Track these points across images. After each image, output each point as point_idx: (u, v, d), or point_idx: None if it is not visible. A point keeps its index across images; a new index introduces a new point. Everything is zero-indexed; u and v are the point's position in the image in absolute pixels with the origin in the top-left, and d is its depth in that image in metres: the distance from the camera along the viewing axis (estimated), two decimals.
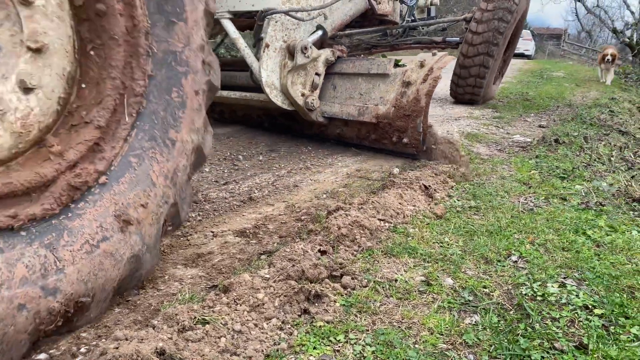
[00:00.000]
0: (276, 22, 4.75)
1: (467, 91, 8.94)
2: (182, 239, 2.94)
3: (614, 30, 32.54)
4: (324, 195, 3.74)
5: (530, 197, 3.82)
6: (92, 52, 2.02)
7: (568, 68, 18.98)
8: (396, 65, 5.00)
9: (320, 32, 5.22)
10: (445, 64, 4.83)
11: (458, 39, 8.41)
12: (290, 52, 4.84)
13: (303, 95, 5.05)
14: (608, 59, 14.12)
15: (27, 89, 1.84)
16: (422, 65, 4.79)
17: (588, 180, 4.34)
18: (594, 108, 9.17)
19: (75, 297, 1.80)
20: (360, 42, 7.73)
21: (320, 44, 5.29)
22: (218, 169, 4.59)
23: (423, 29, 8.06)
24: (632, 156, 6.01)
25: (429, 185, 3.63)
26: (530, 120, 7.94)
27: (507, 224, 3.16)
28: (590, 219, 3.27)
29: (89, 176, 1.97)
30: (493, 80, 9.29)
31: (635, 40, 31.02)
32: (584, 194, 3.88)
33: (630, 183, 4.51)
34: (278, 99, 4.97)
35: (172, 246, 2.82)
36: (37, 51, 1.85)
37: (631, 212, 3.48)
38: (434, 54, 4.92)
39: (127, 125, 2.11)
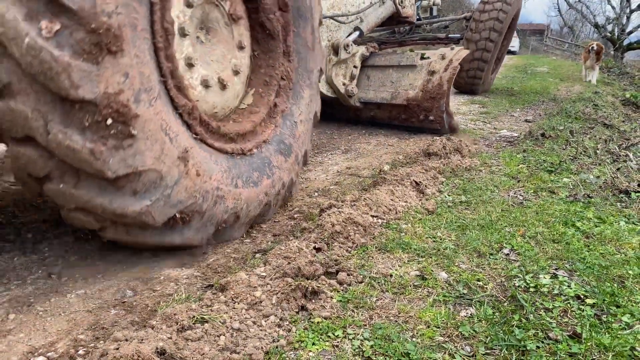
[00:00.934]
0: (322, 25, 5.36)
1: (468, 82, 9.90)
2: None
3: (596, 25, 32.99)
4: (316, 194, 3.76)
5: (520, 190, 3.87)
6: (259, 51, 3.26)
7: (551, 63, 19.19)
8: (422, 58, 6.14)
9: (357, 33, 6.31)
10: (462, 57, 6.00)
11: (459, 35, 9.40)
12: (334, 49, 5.94)
13: (344, 84, 6.17)
14: (593, 48, 13.05)
15: (236, 72, 3.04)
16: (443, 58, 5.95)
17: (575, 173, 4.40)
18: (578, 102, 9.28)
19: (287, 185, 3.19)
20: (371, 39, 8.23)
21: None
22: None
23: (427, 27, 9.15)
24: (617, 149, 6.10)
25: (420, 182, 3.66)
26: (516, 115, 8.02)
27: (497, 217, 3.20)
28: (579, 211, 3.32)
29: (272, 127, 3.19)
30: (490, 72, 10.23)
31: (616, 34, 31.50)
32: (571, 187, 3.94)
33: (616, 175, 4.59)
34: (323, 88, 5.93)
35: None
36: (241, 49, 3.10)
37: (618, 204, 3.54)
38: (452, 48, 6.17)
39: (288, 96, 3.32)
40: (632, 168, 5.60)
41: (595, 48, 13.05)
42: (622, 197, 3.64)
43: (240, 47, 3.06)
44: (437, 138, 5.09)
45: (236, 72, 3.04)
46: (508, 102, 9.65)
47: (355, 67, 6.26)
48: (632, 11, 31.65)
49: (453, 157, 4.74)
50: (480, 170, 4.53)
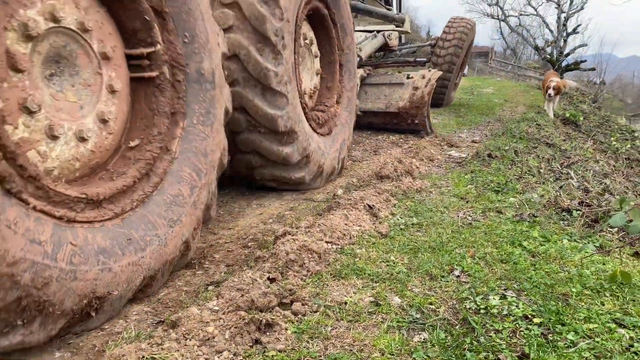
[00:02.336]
0: None
1: (434, 97, 11.07)
2: None
3: (536, 48, 34.68)
4: (270, 220, 3.74)
5: (469, 211, 3.98)
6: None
7: (496, 84, 19.98)
8: (407, 77, 8.10)
9: (357, 59, 7.16)
10: (437, 76, 8.10)
11: (425, 59, 11.12)
12: None
13: None
14: (550, 94, 11.27)
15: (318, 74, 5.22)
16: (423, 77, 7.95)
17: (520, 193, 4.57)
18: (522, 122, 9.69)
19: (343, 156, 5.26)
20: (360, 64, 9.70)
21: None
22: None
23: (398, 52, 10.64)
24: (559, 167, 6.39)
25: (373, 205, 3.71)
26: (463, 136, 8.28)
27: (448, 239, 3.27)
28: (525, 230, 3.44)
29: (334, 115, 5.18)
30: (452, 90, 12.25)
31: (555, 56, 33.17)
32: (517, 206, 4.08)
33: (559, 193, 4.79)
34: None
35: None
36: (317, 74, 5.20)
37: (561, 222, 3.69)
38: (429, 70, 8.30)
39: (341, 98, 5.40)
40: (573, 186, 5.86)
41: (552, 94, 11.27)
42: (564, 216, 3.81)
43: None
44: (388, 161, 5.18)
45: None
46: (456, 123, 9.96)
47: (356, 84, 7.48)
48: (568, 34, 33.49)
49: (404, 179, 4.83)
50: (430, 192, 4.63)
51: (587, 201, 3.96)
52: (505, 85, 19.64)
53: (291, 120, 4.00)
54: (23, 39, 2.00)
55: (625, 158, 10.84)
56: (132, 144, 2.59)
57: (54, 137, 2.17)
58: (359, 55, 7.85)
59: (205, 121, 2.80)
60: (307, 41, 4.85)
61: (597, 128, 13.28)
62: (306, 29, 4.81)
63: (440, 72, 8.59)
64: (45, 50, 2.15)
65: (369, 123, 8.14)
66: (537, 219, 3.70)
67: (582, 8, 33.17)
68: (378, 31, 9.11)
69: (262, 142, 4.00)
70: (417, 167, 5.54)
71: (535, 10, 34.93)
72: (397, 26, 9.47)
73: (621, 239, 3.38)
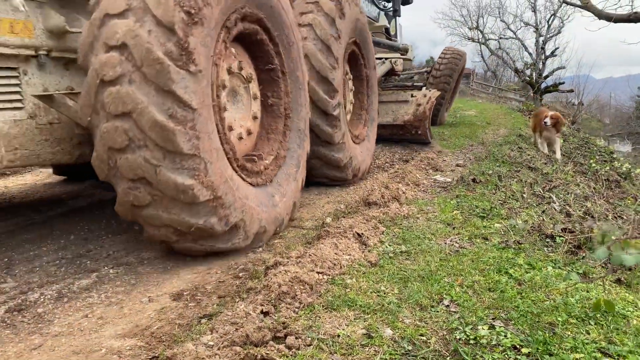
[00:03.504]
0: None
1: None
2: (115, 307, 2.85)
3: (516, 70, 35.45)
4: (260, 249, 3.77)
5: (455, 238, 4.05)
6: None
7: (478, 106, 20.34)
8: (412, 96, 9.63)
9: None
10: (436, 95, 9.78)
11: (422, 84, 12.07)
12: None
13: None
14: (546, 123, 9.90)
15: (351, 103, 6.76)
16: (425, 96, 9.52)
17: (505, 218, 4.67)
18: (504, 145, 9.89)
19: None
20: None
21: None
22: None
23: (397, 77, 11.56)
24: (542, 191, 6.53)
25: (362, 233, 3.76)
26: (448, 160, 8.41)
27: (436, 267, 3.33)
28: (511, 257, 3.51)
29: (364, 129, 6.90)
30: (445, 110, 13.47)
31: (534, 78, 33.94)
32: (502, 233, 4.17)
33: (542, 218, 4.90)
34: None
35: (105, 317, 2.72)
36: (351, 103, 6.71)
37: (545, 248, 3.79)
38: (429, 90, 9.94)
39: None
40: (555, 209, 5.99)
41: (548, 123, 9.95)
42: (548, 242, 3.90)
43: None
44: (375, 187, 5.26)
45: None
46: (440, 146, 10.11)
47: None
48: (546, 57, 34.33)
49: (392, 205, 4.90)
50: (417, 218, 4.70)
51: (570, 227, 4.06)
52: (487, 107, 20.01)
53: (344, 136, 5.71)
54: (227, 72, 3.73)
55: (605, 179, 11.08)
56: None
57: (231, 129, 3.80)
58: None
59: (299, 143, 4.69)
60: (347, 76, 6.45)
61: (577, 150, 13.58)
62: (347, 68, 6.43)
63: (439, 92, 10.28)
64: (232, 84, 3.87)
65: (379, 135, 8.82)
66: (522, 245, 3.79)
67: (559, 32, 34.16)
68: (386, 58, 10.56)
69: (319, 149, 5.58)
70: (404, 192, 5.62)
71: (515, 33, 35.85)
72: (401, 54, 10.92)
73: (603, 265, 3.47)
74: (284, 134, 4.52)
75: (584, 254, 3.64)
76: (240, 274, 3.24)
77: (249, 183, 3.76)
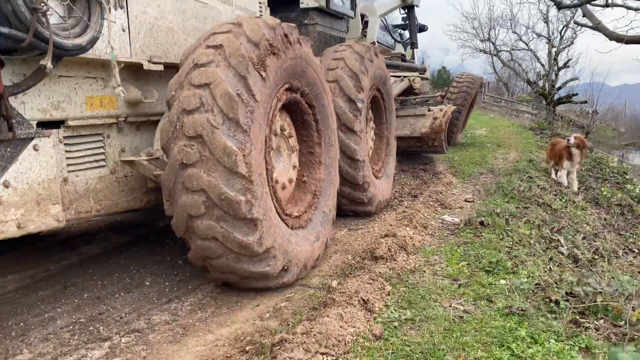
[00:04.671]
0: None
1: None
2: None
3: (529, 81, 35.26)
4: (267, 314, 3.85)
5: (460, 299, 4.10)
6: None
7: (490, 123, 20.31)
8: (429, 110, 10.28)
9: None
10: (452, 110, 10.43)
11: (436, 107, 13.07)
12: None
13: None
14: (569, 141, 9.73)
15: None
16: (441, 110, 10.18)
17: (511, 272, 4.71)
18: (514, 175, 9.88)
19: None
20: None
21: None
22: (159, 284, 4.60)
23: (414, 99, 11.85)
24: (550, 233, 6.54)
25: (368, 299, 3.83)
26: (456, 193, 8.45)
27: (440, 340, 3.38)
28: (514, 327, 3.55)
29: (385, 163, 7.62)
30: (459, 132, 13.84)
31: (547, 89, 33.74)
32: (507, 293, 4.21)
33: (548, 270, 4.94)
34: None
35: None
36: (378, 136, 7.70)
37: (548, 314, 3.81)
38: (446, 105, 10.74)
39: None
40: (563, 254, 6.01)
41: (572, 142, 9.73)
42: (552, 307, 3.92)
43: None
44: (382, 240, 5.32)
45: None
46: (450, 174, 10.15)
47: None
48: (559, 69, 34.10)
49: (399, 258, 4.96)
50: (424, 272, 4.76)
51: (574, 291, 4.09)
52: (498, 124, 19.95)
53: (368, 176, 6.41)
54: (273, 135, 4.42)
55: (617, 204, 11.03)
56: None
57: (277, 182, 4.54)
58: None
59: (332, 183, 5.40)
60: (369, 117, 7.13)
61: (590, 172, 13.52)
62: (369, 111, 7.17)
63: (454, 107, 10.94)
64: (276, 143, 4.57)
65: (397, 147, 9.41)
66: (526, 312, 3.82)
67: (572, 43, 33.94)
68: (405, 76, 11.21)
69: (346, 190, 6.29)
70: (411, 238, 5.67)
71: (527, 45, 35.70)
72: (420, 74, 11.52)
73: (606, 337, 3.50)
74: (319, 179, 5.24)
75: (587, 323, 3.67)
76: (247, 348, 3.32)
77: (292, 227, 4.51)
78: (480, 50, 36.51)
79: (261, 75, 3.78)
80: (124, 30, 3.98)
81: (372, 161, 7.18)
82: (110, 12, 3.74)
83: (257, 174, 3.72)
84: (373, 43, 9.43)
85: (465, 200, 7.87)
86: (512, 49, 36.18)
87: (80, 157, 4.01)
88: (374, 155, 7.42)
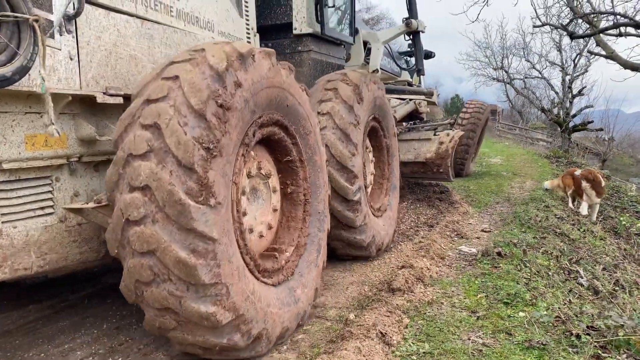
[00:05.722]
0: None
1: (456, 166, 12.69)
2: None
3: (543, 109, 35.24)
4: (285, 347, 3.85)
5: (479, 332, 4.06)
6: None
7: (504, 151, 20.28)
8: (434, 134, 9.81)
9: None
10: (459, 135, 9.88)
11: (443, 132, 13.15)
12: None
13: None
14: (589, 178, 9.85)
15: (372, 174, 6.88)
16: (448, 135, 9.63)
17: (530, 305, 4.66)
18: (530, 203, 9.83)
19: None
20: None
21: None
22: None
23: (423, 126, 11.56)
24: (568, 264, 6.47)
25: (385, 332, 3.81)
26: (473, 223, 8.41)
27: None
28: None
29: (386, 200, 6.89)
30: (470, 161, 13.82)
31: (562, 117, 33.67)
32: (526, 326, 4.16)
33: (568, 303, 4.87)
34: None
35: None
36: (371, 174, 6.77)
37: (569, 348, 3.76)
38: (453, 130, 10.17)
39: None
40: (583, 285, 5.93)
41: (580, 174, 10.06)
42: (573, 341, 3.87)
43: None
44: (399, 272, 5.31)
45: None
46: (466, 203, 10.12)
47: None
48: (574, 96, 34.04)
49: (416, 290, 4.94)
50: (441, 304, 4.73)
51: (595, 325, 4.03)
52: (513, 152, 19.91)
53: (366, 217, 5.74)
54: (247, 176, 3.87)
55: (636, 234, 10.86)
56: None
57: (251, 231, 3.91)
58: (394, 116, 9.36)
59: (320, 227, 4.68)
60: (367, 149, 6.61)
61: (607, 201, 13.37)
62: (367, 143, 6.56)
63: (462, 132, 10.58)
64: (252, 184, 3.99)
65: (400, 173, 8.82)
66: (547, 346, 3.77)
67: (586, 71, 33.93)
68: (410, 99, 10.77)
69: (341, 233, 5.67)
70: (429, 270, 5.65)
71: (540, 73, 35.77)
72: (426, 97, 11.29)
73: None
74: (303, 220, 4.52)
75: (610, 358, 3.61)
76: None
77: (271, 284, 3.81)
78: (494, 79, 36.66)
79: (224, 110, 3.07)
80: (71, 59, 3.45)
81: (372, 198, 6.60)
82: (50, 37, 3.24)
83: (221, 229, 3.04)
84: (376, 70, 9.17)
85: (482, 230, 7.83)
86: (526, 77, 36.29)
87: (19, 204, 3.39)
88: (373, 191, 6.83)
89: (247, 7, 5.47)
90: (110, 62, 3.73)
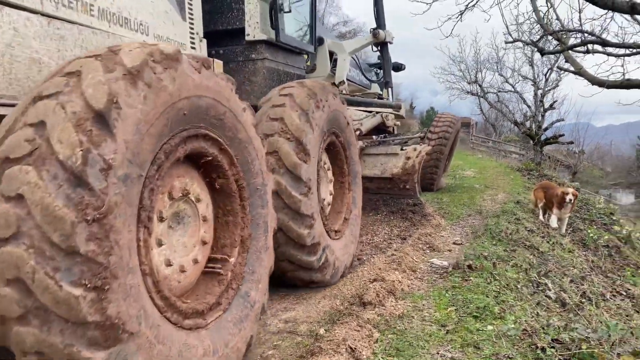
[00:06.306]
0: None
1: (424, 182, 12.50)
2: None
3: (515, 122, 35.92)
4: None
5: (448, 347, 4.11)
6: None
7: (478, 164, 20.62)
8: (401, 149, 9.64)
9: (358, 132, 8.64)
10: (427, 150, 9.95)
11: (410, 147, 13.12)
12: None
13: None
14: (570, 200, 10.12)
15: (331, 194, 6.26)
16: (415, 149, 9.51)
17: (498, 318, 4.73)
18: (502, 216, 10.00)
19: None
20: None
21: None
22: None
23: (393, 140, 11.35)
24: (537, 276, 6.60)
25: (355, 347, 3.83)
26: (445, 235, 8.52)
27: None
28: None
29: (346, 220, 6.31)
30: (441, 175, 13.65)
31: (534, 130, 34.39)
32: (494, 339, 4.23)
33: (535, 315, 4.97)
34: None
35: None
36: (330, 194, 6.22)
37: None
38: (420, 144, 10.24)
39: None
40: (550, 298, 6.05)
41: (571, 199, 10.22)
42: (539, 354, 3.95)
43: None
44: (371, 285, 5.34)
45: None
46: (439, 215, 10.24)
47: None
48: (545, 110, 34.83)
49: (387, 303, 4.97)
50: (412, 318, 4.77)
51: (560, 338, 4.12)
52: (486, 165, 20.27)
53: (320, 236, 5.19)
54: (168, 200, 3.08)
55: (604, 246, 11.12)
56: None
57: (169, 264, 3.07)
58: (359, 129, 9.08)
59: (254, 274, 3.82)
60: (326, 165, 6.14)
61: (577, 213, 13.69)
62: (325, 157, 6.10)
63: (430, 147, 10.68)
64: (175, 209, 3.20)
65: (365, 188, 8.99)
66: (513, 359, 3.84)
67: (557, 85, 34.73)
68: (377, 112, 10.36)
69: (290, 252, 5.06)
70: (400, 283, 5.70)
71: (513, 87, 36.48)
72: (394, 110, 10.99)
73: None
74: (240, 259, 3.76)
75: None
76: None
77: (188, 327, 3.01)
78: (468, 92, 37.28)
79: (115, 116, 2.37)
80: None
81: (330, 219, 5.93)
82: None
83: (116, 255, 2.31)
84: (343, 82, 8.77)
85: (454, 243, 7.93)
86: (499, 91, 36.97)
87: None
88: (332, 211, 6.24)
89: (191, 9, 4.92)
90: (3, 66, 3.09)
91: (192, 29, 4.94)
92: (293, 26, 6.58)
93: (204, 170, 3.49)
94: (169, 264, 3.07)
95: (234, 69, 5.90)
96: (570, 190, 10.44)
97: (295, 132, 4.87)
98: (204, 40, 5.08)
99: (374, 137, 11.22)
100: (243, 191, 3.69)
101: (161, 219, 3.00)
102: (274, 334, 4.38)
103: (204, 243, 3.50)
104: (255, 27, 5.85)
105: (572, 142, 35.61)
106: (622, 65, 13.94)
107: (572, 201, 10.19)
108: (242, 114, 3.59)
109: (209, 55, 5.13)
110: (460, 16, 14.53)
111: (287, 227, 4.89)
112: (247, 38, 5.88)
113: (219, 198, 3.64)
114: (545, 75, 34.52)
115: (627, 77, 13.88)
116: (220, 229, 3.68)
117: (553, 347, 3.99)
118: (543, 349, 3.98)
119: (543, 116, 35.18)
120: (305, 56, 7.34)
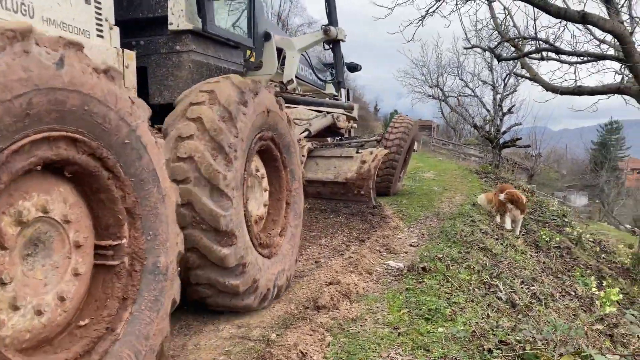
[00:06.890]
0: None
1: (382, 185, 12.34)
2: None
3: (475, 126, 36.76)
4: None
5: (399, 349, 4.16)
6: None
7: (438, 166, 21.00)
8: (357, 152, 9.32)
9: (306, 132, 8.76)
10: (383, 153, 9.65)
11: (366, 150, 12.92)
12: None
13: None
14: (504, 199, 10.32)
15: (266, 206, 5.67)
16: (371, 153, 9.26)
17: (449, 320, 4.82)
18: (458, 218, 10.20)
19: None
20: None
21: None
22: None
23: (350, 144, 11.04)
24: (489, 278, 6.75)
25: (307, 352, 3.83)
26: (402, 237, 8.63)
27: None
28: None
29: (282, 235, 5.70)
30: (397, 180, 13.37)
31: (492, 134, 35.26)
32: (444, 342, 4.30)
33: (485, 316, 5.08)
34: None
35: None
36: (265, 206, 5.64)
37: None
38: (377, 148, 9.91)
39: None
40: (501, 300, 6.20)
41: (503, 197, 10.42)
42: (486, 356, 4.04)
43: None
44: (326, 288, 5.35)
45: None
46: (397, 217, 10.36)
47: (303, 155, 9.04)
48: (504, 114, 35.78)
49: (341, 307, 5.00)
50: (365, 320, 4.81)
51: (507, 340, 4.23)
52: (446, 167, 20.65)
53: (245, 255, 4.54)
54: (14, 223, 2.46)
55: (556, 247, 11.50)
56: (81, 322, 2.83)
57: (15, 308, 2.46)
58: (308, 130, 8.86)
59: (152, 307, 3.10)
60: (259, 172, 5.43)
61: (531, 214, 14.10)
62: (258, 164, 5.46)
63: (386, 150, 10.50)
64: (29, 234, 2.58)
65: (318, 193, 8.99)
66: None
67: (515, 90, 35.74)
68: (328, 112, 9.89)
69: (202, 239, 4.24)
70: (356, 285, 5.73)
71: (473, 91, 37.32)
72: (347, 111, 10.70)
73: None
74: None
75: None
76: None
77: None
78: (429, 96, 37.92)
79: None
80: None
81: (264, 233, 5.38)
82: None
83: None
84: (291, 80, 8.21)
85: (410, 245, 8.04)
86: (460, 95, 37.75)
87: None
88: (266, 226, 5.60)
89: None
90: None
91: (98, 14, 4.03)
92: (227, 17, 6.02)
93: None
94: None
95: (157, 61, 5.26)
96: (506, 191, 10.60)
97: (214, 134, 4.21)
98: (116, 29, 4.25)
99: (328, 139, 10.99)
100: (127, 196, 3.02)
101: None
102: (225, 339, 4.34)
103: (76, 275, 2.90)
104: (180, 16, 5.16)
105: (529, 146, 36.70)
106: (575, 72, 14.44)
107: (516, 202, 10.30)
108: (122, 98, 2.98)
109: (128, 46, 4.51)
110: (421, 21, 14.78)
111: (204, 246, 4.24)
112: (170, 27, 5.18)
113: (97, 209, 3.01)
114: (504, 80, 35.46)
115: (579, 84, 14.43)
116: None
117: (499, 349, 4.09)
118: (490, 351, 4.07)
119: (501, 120, 36.14)
120: (249, 52, 6.75)
